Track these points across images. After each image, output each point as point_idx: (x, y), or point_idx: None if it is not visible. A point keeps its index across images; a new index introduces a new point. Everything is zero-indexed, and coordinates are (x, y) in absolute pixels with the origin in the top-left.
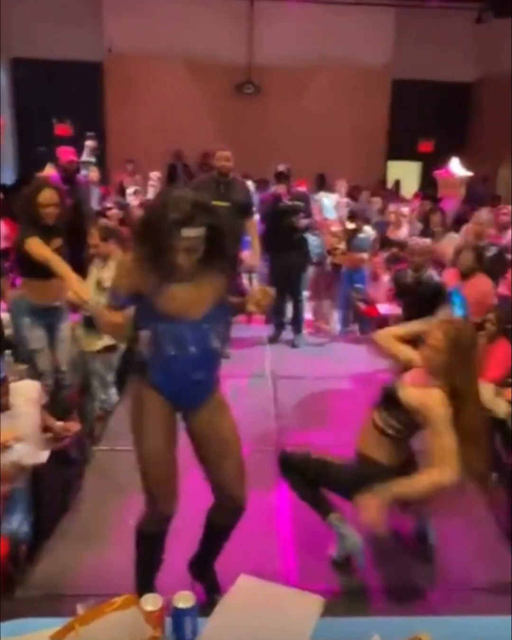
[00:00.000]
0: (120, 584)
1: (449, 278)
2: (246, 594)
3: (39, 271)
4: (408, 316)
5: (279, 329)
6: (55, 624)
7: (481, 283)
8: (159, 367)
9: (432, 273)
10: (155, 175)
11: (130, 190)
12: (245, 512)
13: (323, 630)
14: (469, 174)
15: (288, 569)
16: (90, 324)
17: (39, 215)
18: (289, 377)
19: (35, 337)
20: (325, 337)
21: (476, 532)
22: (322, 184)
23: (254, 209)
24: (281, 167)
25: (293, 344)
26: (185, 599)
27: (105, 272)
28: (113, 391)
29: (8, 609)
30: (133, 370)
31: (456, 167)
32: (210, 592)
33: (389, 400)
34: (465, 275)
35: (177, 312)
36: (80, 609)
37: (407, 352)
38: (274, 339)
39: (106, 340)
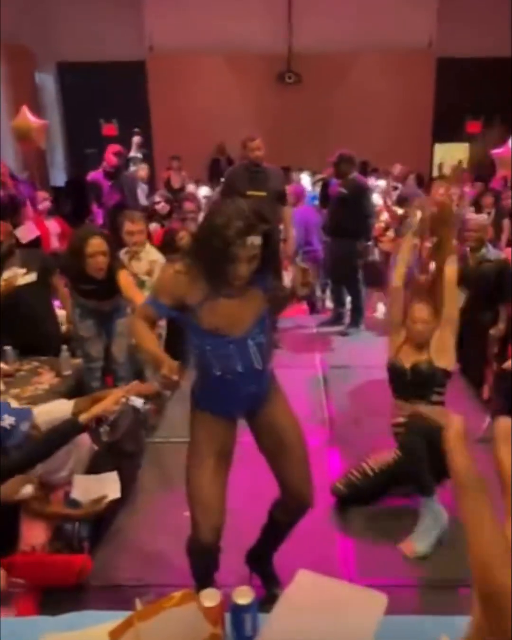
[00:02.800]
0: (177, 575)
1: None
2: (307, 590)
3: (86, 294)
4: (473, 304)
5: (338, 319)
6: (113, 617)
7: None
8: (207, 388)
9: (493, 250)
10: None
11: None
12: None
13: (388, 629)
14: None
15: (348, 562)
16: None
17: (87, 267)
18: (340, 366)
19: (85, 326)
20: (374, 325)
21: None
22: (365, 170)
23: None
24: (337, 155)
25: (344, 333)
26: (244, 595)
27: (134, 263)
28: None
29: (64, 599)
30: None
31: None
32: (270, 585)
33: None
34: None
35: (222, 327)
36: (139, 604)
37: None
38: (326, 326)
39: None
